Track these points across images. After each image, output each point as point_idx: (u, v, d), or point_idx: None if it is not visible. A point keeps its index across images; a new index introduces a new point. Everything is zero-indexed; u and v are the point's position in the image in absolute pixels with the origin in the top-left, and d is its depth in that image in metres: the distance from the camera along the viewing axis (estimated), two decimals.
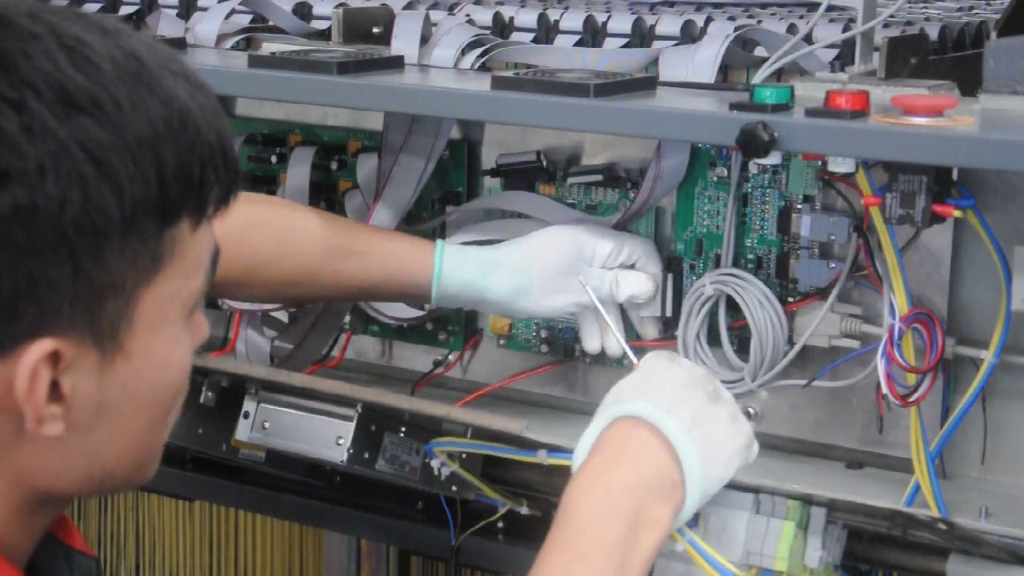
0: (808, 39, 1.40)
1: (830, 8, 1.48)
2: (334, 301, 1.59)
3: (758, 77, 1.33)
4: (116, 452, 0.95)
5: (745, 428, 1.20)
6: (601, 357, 1.54)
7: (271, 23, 1.72)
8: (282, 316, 1.68)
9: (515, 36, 1.63)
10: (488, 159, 1.61)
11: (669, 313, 1.51)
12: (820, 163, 1.39)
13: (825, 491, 1.24)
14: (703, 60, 1.41)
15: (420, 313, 1.62)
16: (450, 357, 1.67)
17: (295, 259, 1.45)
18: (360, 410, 1.44)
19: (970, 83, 1.33)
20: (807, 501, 1.25)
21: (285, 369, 1.55)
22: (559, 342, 1.59)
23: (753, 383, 1.45)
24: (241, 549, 2.37)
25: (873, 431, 1.45)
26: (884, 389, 1.34)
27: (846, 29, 1.47)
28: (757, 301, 1.45)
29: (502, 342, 1.62)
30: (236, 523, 2.36)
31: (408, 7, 1.67)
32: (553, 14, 1.62)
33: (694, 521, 1.19)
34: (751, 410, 1.47)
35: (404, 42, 1.54)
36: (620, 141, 1.53)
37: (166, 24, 1.73)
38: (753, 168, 1.47)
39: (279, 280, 1.45)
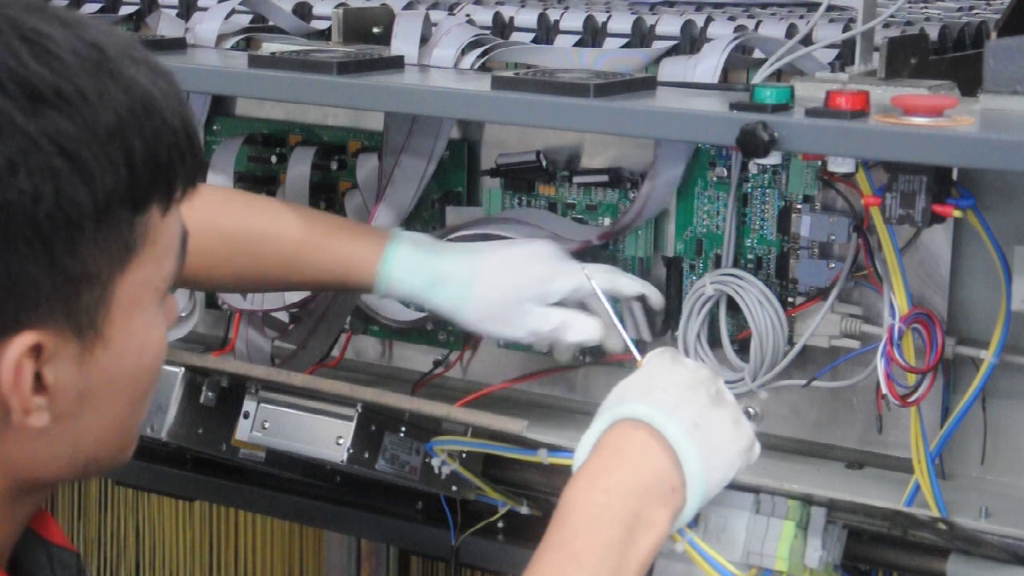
0: (808, 39, 1.40)
1: (830, 8, 1.48)
2: (288, 291, 1.61)
3: (758, 77, 1.33)
4: (98, 437, 0.96)
5: (747, 431, 1.20)
6: (596, 352, 1.54)
7: (271, 23, 1.72)
8: (283, 316, 1.68)
9: (515, 36, 1.63)
10: (488, 159, 1.61)
11: (649, 338, 1.51)
12: (820, 163, 1.39)
13: (825, 491, 1.24)
14: (703, 72, 1.41)
15: (420, 315, 1.62)
16: (450, 357, 1.67)
17: (265, 249, 1.45)
18: (360, 410, 1.44)
19: (970, 83, 1.33)
20: (807, 501, 1.25)
21: (286, 369, 1.55)
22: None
23: (753, 383, 1.45)
24: (241, 549, 2.37)
25: (873, 431, 1.45)
26: (884, 389, 1.34)
27: (846, 29, 1.47)
28: (757, 301, 1.45)
29: (502, 342, 1.62)
30: (236, 523, 2.36)
31: (408, 7, 1.67)
32: (553, 14, 1.62)
33: (694, 521, 1.19)
34: (751, 410, 1.47)
35: (404, 41, 1.54)
36: (619, 140, 1.53)
37: (166, 24, 1.74)
38: (753, 168, 1.47)
39: (245, 272, 1.46)
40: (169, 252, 0.95)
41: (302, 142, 1.70)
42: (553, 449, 1.31)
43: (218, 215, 1.44)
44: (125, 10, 1.84)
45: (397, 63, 1.52)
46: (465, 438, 1.40)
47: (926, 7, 1.79)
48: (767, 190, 1.47)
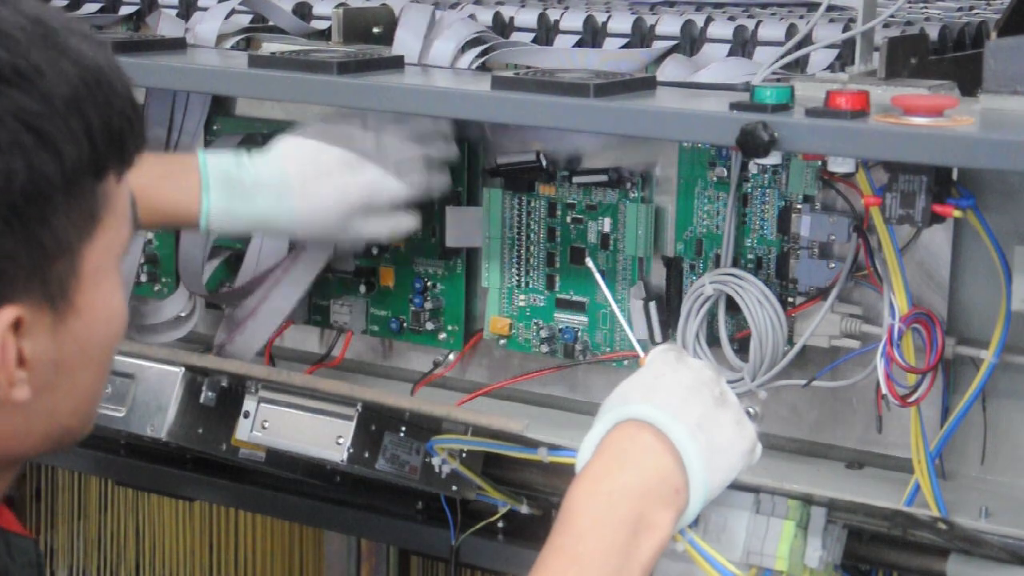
0: (808, 39, 1.40)
1: (830, 8, 1.48)
2: None
3: (758, 77, 1.33)
4: (73, 407, 0.97)
5: (749, 432, 1.20)
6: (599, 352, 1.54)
7: (271, 23, 1.72)
8: None
9: (515, 36, 1.63)
10: (488, 159, 1.61)
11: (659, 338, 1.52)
12: (820, 163, 1.39)
13: (825, 491, 1.24)
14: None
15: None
16: (450, 357, 1.67)
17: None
18: (360, 410, 1.44)
19: (970, 83, 1.33)
20: (807, 501, 1.25)
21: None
22: (559, 342, 1.59)
23: (753, 383, 1.45)
24: (241, 549, 2.37)
25: (873, 431, 1.45)
26: (884, 389, 1.34)
27: (846, 29, 1.47)
28: (757, 301, 1.45)
29: (502, 342, 1.62)
30: (236, 523, 2.36)
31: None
32: (553, 14, 1.62)
33: (694, 521, 1.19)
34: (751, 410, 1.47)
35: (409, 34, 1.54)
36: (618, 140, 1.53)
37: (166, 24, 1.74)
38: (753, 168, 1.47)
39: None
40: (125, 218, 0.97)
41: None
42: (553, 448, 1.31)
43: None
44: (125, 10, 1.84)
45: (397, 63, 1.52)
46: (465, 437, 1.40)
47: (926, 7, 1.79)
48: (767, 190, 1.47)
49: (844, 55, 1.46)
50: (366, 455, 1.44)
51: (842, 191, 1.42)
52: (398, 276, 1.68)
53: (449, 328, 1.66)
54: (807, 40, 1.40)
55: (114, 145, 0.93)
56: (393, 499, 1.60)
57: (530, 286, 1.60)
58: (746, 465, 1.20)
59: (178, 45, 1.63)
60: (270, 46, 1.62)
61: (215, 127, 1.75)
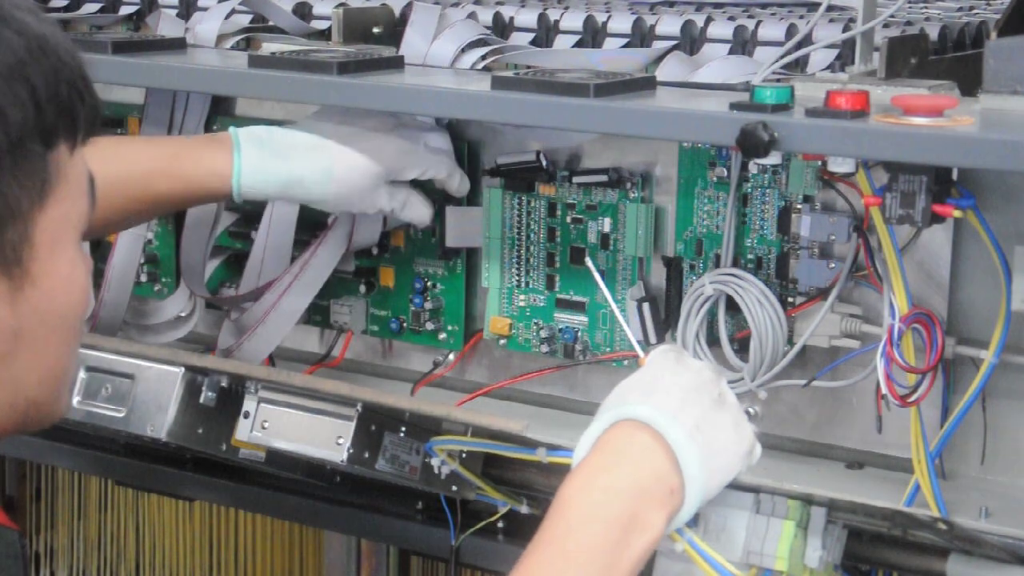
0: (808, 39, 1.40)
1: (830, 8, 1.48)
2: (150, 220, 1.70)
3: (758, 78, 1.33)
4: (38, 379, 0.98)
5: (747, 433, 1.20)
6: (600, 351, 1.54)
7: (271, 23, 1.72)
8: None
9: (515, 36, 1.63)
10: (488, 159, 1.61)
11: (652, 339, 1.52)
12: (820, 163, 1.39)
13: (825, 491, 1.24)
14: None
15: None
16: (450, 357, 1.67)
17: (113, 191, 1.47)
18: (360, 410, 1.44)
19: (970, 83, 1.33)
20: (807, 501, 1.25)
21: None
22: (559, 342, 1.59)
23: (753, 383, 1.45)
24: (241, 549, 2.37)
25: (873, 431, 1.45)
26: (884, 389, 1.34)
27: (846, 29, 1.47)
28: (757, 301, 1.45)
29: (502, 342, 1.62)
30: (236, 523, 2.36)
31: (408, 6, 1.67)
32: (553, 14, 1.62)
33: (694, 521, 1.19)
34: (751, 410, 1.47)
35: (417, 34, 1.54)
36: (617, 140, 1.53)
37: (166, 24, 1.74)
38: (753, 168, 1.47)
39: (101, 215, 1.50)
40: (81, 191, 0.98)
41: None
42: (552, 448, 1.31)
43: None
44: (125, 10, 1.84)
45: (397, 63, 1.52)
46: (465, 437, 1.40)
47: (926, 7, 1.79)
48: (767, 190, 1.47)
49: (844, 55, 1.46)
50: (366, 455, 1.44)
51: (842, 191, 1.42)
52: (398, 276, 1.68)
53: (449, 328, 1.66)
54: (807, 40, 1.40)
55: (63, 114, 0.94)
56: (393, 499, 1.60)
57: (530, 286, 1.60)
58: (745, 466, 1.20)
59: (178, 45, 1.63)
60: (270, 46, 1.61)
61: (215, 127, 1.75)
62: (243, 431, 1.47)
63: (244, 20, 1.73)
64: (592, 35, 1.60)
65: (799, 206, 1.45)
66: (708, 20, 1.55)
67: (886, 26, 1.51)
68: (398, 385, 1.68)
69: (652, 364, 1.21)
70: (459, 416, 1.39)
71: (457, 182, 1.58)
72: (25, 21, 0.93)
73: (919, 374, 1.36)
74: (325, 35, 1.68)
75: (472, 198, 1.62)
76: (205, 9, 1.74)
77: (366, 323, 1.70)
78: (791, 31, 1.50)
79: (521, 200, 1.59)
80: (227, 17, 1.70)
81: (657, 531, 1.13)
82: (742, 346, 1.47)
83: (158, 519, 2.42)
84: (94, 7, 1.86)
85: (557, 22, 1.61)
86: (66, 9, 1.87)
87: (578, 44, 1.60)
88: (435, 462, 1.44)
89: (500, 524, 1.52)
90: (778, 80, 1.35)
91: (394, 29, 1.64)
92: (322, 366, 1.72)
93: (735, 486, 1.21)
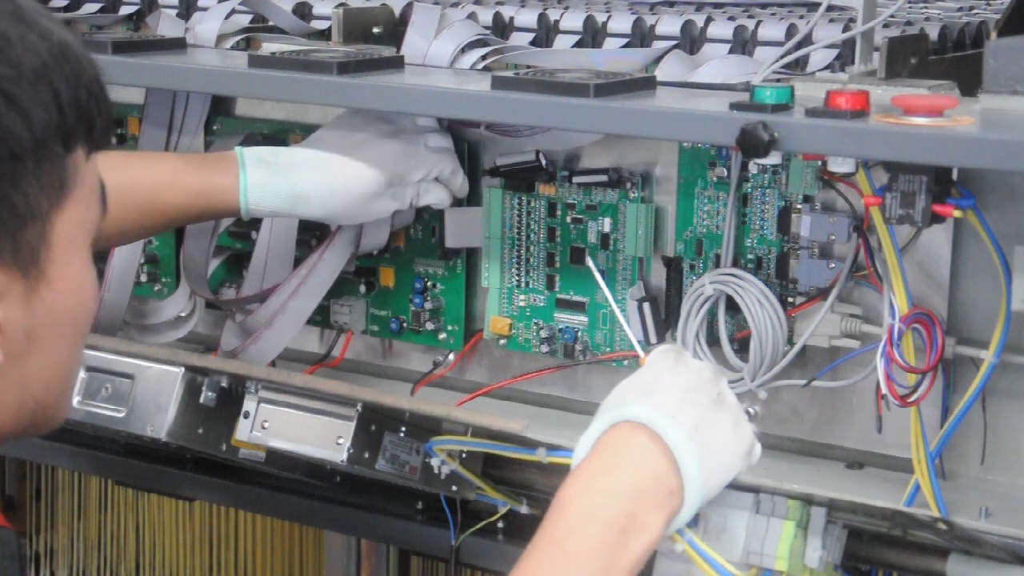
0: (808, 39, 1.40)
1: (830, 8, 1.48)
2: (154, 235, 1.72)
3: (758, 78, 1.33)
4: (45, 381, 0.99)
5: (747, 433, 1.20)
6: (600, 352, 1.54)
7: (271, 23, 1.72)
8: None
9: (515, 36, 1.63)
10: (488, 159, 1.61)
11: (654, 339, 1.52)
12: (820, 163, 1.39)
13: (825, 491, 1.24)
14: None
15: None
16: (450, 357, 1.67)
17: (121, 201, 1.47)
18: (360, 410, 1.43)
19: (970, 83, 1.33)
20: (807, 501, 1.25)
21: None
22: (559, 342, 1.59)
23: (752, 383, 1.45)
24: (241, 549, 2.37)
25: (873, 431, 1.45)
26: (884, 389, 1.34)
27: (846, 29, 1.47)
28: (757, 301, 1.45)
29: (502, 342, 1.62)
30: (236, 523, 2.36)
31: (408, 6, 1.67)
32: (553, 14, 1.62)
33: (694, 521, 1.19)
34: (751, 410, 1.47)
35: (418, 34, 1.54)
36: (617, 140, 1.53)
37: (166, 24, 1.74)
38: (753, 168, 1.47)
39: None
40: (94, 196, 0.99)
41: (302, 142, 1.70)
42: (552, 448, 1.31)
43: None
44: (125, 10, 1.84)
45: (397, 63, 1.52)
46: (464, 438, 1.40)
47: (926, 7, 1.79)
48: (767, 190, 1.47)
49: (844, 55, 1.46)
50: (366, 455, 1.44)
51: (842, 191, 1.42)
52: (398, 276, 1.68)
53: (449, 328, 1.66)
54: (807, 40, 1.40)
55: (82, 119, 0.95)
56: (393, 499, 1.60)
57: (530, 286, 1.60)
58: (744, 466, 1.19)
59: (178, 45, 1.63)
60: (270, 46, 1.61)
61: (215, 127, 1.75)
62: (243, 431, 1.47)
63: (244, 20, 1.73)
64: (592, 35, 1.60)
65: (799, 206, 1.45)
66: (708, 20, 1.55)
67: (886, 26, 1.51)
68: (398, 385, 1.68)
69: (651, 364, 1.21)
70: (459, 416, 1.39)
71: (460, 181, 1.58)
72: (48, 27, 0.95)
73: (919, 374, 1.36)
74: (325, 35, 1.68)
75: (472, 198, 1.62)
76: (205, 9, 1.74)
77: (366, 323, 1.70)
78: (791, 31, 1.50)
79: (521, 200, 1.59)
80: (227, 17, 1.70)
81: (656, 532, 1.13)
82: (742, 346, 1.47)
83: (158, 519, 2.42)
84: (94, 7, 1.86)
85: (557, 22, 1.61)
86: (66, 9, 1.87)
87: (578, 44, 1.60)
88: (435, 462, 1.44)
89: (500, 524, 1.52)
90: (778, 80, 1.35)
91: (394, 29, 1.64)
92: (322, 366, 1.72)
93: (735, 486, 1.21)
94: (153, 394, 1.48)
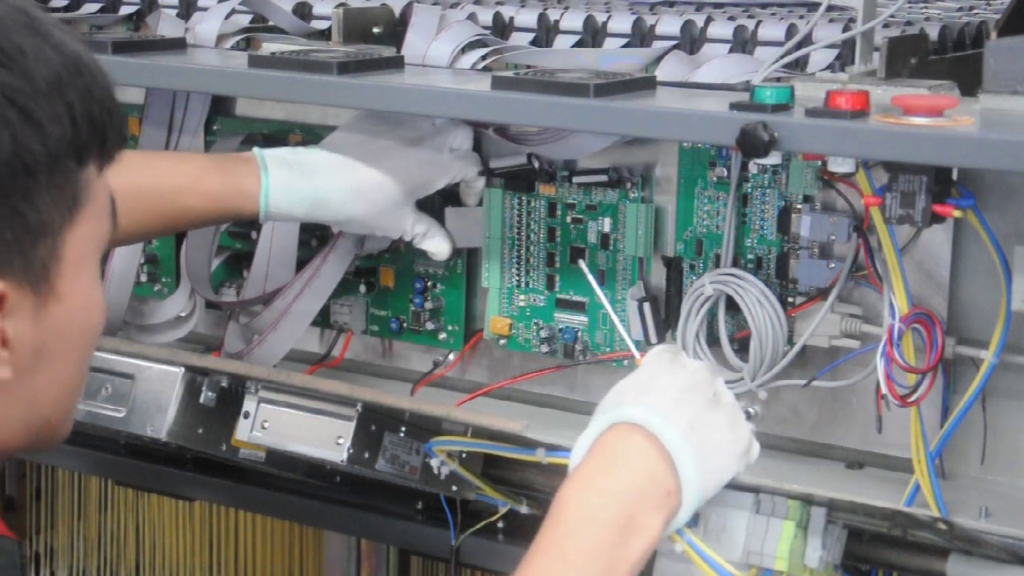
0: (808, 39, 1.40)
1: (830, 8, 1.48)
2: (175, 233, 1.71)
3: (758, 77, 1.33)
4: (53, 397, 0.99)
5: (744, 433, 1.20)
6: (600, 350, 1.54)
7: (271, 23, 1.72)
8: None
9: (515, 36, 1.63)
10: (488, 159, 1.61)
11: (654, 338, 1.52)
12: (820, 163, 1.39)
13: (825, 491, 1.24)
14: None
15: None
16: (450, 357, 1.67)
17: (141, 204, 1.48)
18: (360, 410, 1.44)
19: (970, 83, 1.33)
20: (807, 501, 1.25)
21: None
22: (559, 342, 1.59)
23: (752, 383, 1.45)
24: (241, 549, 2.37)
25: (873, 431, 1.45)
26: (884, 389, 1.34)
27: (846, 29, 1.47)
28: (757, 301, 1.45)
29: (502, 342, 1.62)
30: (236, 523, 2.36)
31: (408, 7, 1.67)
32: (553, 14, 1.62)
33: (694, 521, 1.19)
34: (751, 410, 1.47)
35: (418, 35, 1.54)
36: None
37: (166, 24, 1.74)
38: (753, 168, 1.47)
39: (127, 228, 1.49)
40: (105, 212, 0.99)
41: (302, 142, 1.70)
42: (551, 448, 1.31)
43: None
44: (125, 10, 1.84)
45: (397, 63, 1.52)
46: (464, 438, 1.40)
47: (926, 7, 1.79)
48: (767, 190, 1.47)
49: (844, 55, 1.46)
50: (366, 455, 1.44)
51: (842, 191, 1.42)
52: (398, 276, 1.68)
53: (449, 328, 1.66)
54: (807, 40, 1.40)
55: (95, 133, 0.94)
56: (393, 499, 1.60)
57: (530, 286, 1.60)
58: (743, 465, 1.19)
59: (178, 45, 1.63)
60: (270, 46, 1.61)
61: (215, 127, 1.75)
62: (243, 431, 1.47)
63: (244, 20, 1.73)
64: (592, 35, 1.60)
65: (799, 206, 1.45)
66: (708, 20, 1.55)
67: (886, 26, 1.50)
68: (398, 385, 1.68)
69: (648, 364, 1.21)
70: (459, 416, 1.39)
71: (481, 186, 1.58)
72: (62, 39, 0.94)
73: (919, 374, 1.36)
74: (325, 35, 1.68)
75: None
76: (205, 9, 1.74)
77: (366, 323, 1.70)
78: (791, 31, 1.50)
79: (521, 200, 1.59)
80: (227, 17, 1.70)
81: (654, 533, 1.13)
82: (742, 346, 1.47)
83: (158, 519, 2.42)
84: (94, 7, 1.86)
85: (557, 22, 1.61)
86: (66, 9, 1.87)
87: (578, 44, 1.60)
88: (435, 462, 1.44)
89: (500, 524, 1.52)
90: (778, 80, 1.35)
91: (394, 29, 1.64)
92: (322, 366, 1.72)
93: (735, 486, 1.21)
94: (153, 394, 1.48)
